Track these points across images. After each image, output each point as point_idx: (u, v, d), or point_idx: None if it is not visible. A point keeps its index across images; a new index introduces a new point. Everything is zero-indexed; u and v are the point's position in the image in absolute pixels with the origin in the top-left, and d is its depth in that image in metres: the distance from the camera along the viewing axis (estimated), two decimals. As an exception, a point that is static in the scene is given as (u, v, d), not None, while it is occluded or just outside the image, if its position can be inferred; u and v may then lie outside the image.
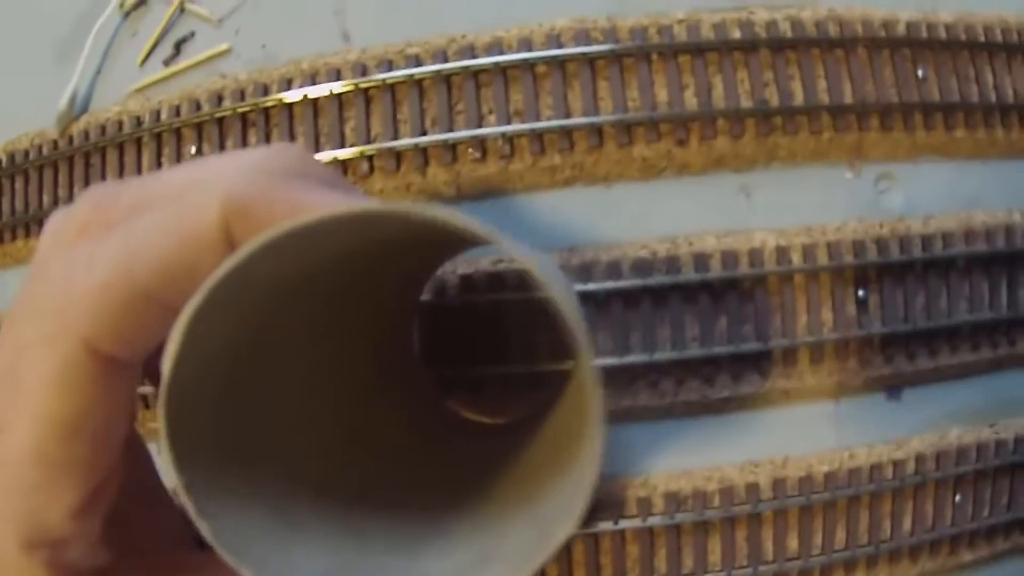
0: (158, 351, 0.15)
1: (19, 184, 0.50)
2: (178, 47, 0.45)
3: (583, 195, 0.38)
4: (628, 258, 0.37)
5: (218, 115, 0.42)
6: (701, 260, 0.37)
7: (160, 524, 0.19)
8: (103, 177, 0.46)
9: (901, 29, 0.40)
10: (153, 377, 0.17)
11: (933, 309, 0.39)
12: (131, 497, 0.17)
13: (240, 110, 0.41)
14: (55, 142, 0.48)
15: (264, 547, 0.15)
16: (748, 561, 0.37)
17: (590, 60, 0.38)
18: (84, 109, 0.48)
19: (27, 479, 0.14)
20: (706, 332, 0.37)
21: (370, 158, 0.39)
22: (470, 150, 0.38)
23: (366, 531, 0.17)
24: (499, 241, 0.14)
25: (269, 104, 0.41)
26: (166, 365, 0.13)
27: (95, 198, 0.16)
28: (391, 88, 0.39)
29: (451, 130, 0.39)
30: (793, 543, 0.38)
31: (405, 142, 0.39)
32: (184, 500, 0.13)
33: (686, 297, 0.37)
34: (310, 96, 0.40)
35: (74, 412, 0.14)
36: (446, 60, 0.39)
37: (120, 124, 0.45)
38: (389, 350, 0.29)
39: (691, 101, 0.38)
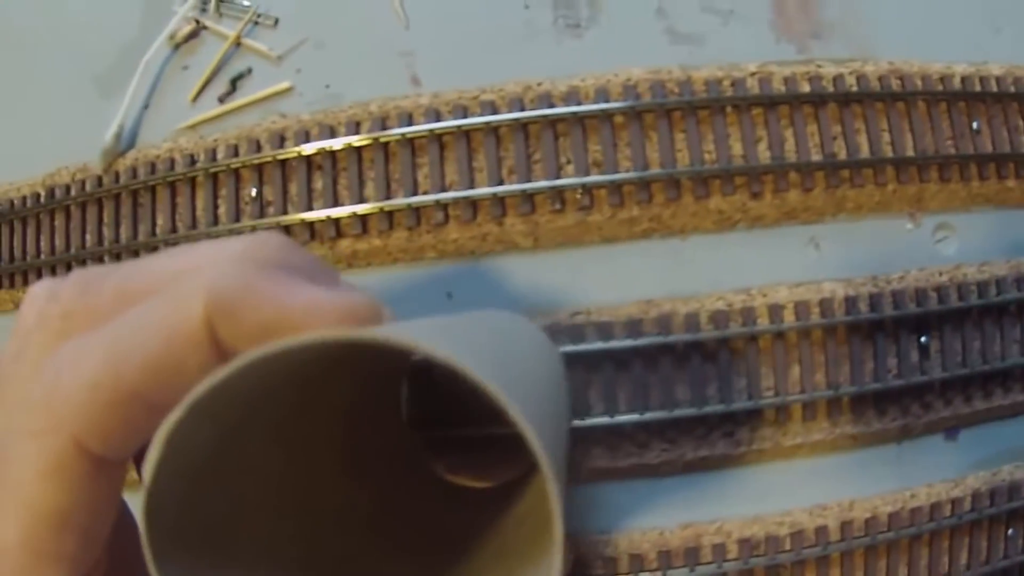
0: (146, 445, 0.14)
1: (59, 221, 0.45)
2: (234, 84, 0.42)
3: (660, 247, 0.36)
4: (706, 310, 0.35)
5: (281, 157, 0.39)
6: (775, 311, 0.36)
7: None
8: (153, 216, 0.42)
9: (956, 83, 0.39)
10: (141, 470, 0.16)
11: (988, 353, 0.38)
12: None
13: (305, 153, 0.38)
14: (99, 178, 0.44)
15: None
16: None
17: (667, 111, 0.36)
18: (131, 144, 0.44)
19: (13, 568, 0.14)
20: (780, 381, 0.36)
21: (445, 207, 0.36)
22: (548, 201, 0.36)
23: None
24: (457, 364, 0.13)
25: (337, 148, 0.38)
26: (147, 472, 0.13)
27: (81, 282, 0.16)
28: (466, 135, 0.37)
29: (529, 180, 0.36)
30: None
31: (482, 191, 0.36)
32: None
33: (762, 347, 0.36)
34: (381, 140, 0.37)
35: (63, 507, 0.14)
36: (523, 108, 0.37)
37: (172, 162, 0.42)
38: (368, 420, 0.27)
39: (764, 154, 0.37)
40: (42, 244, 0.46)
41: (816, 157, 0.37)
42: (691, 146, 0.36)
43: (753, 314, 0.36)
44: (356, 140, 0.37)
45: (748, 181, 0.36)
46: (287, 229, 0.38)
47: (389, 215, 0.37)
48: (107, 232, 0.43)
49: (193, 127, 0.42)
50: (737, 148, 0.36)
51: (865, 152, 0.37)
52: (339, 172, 0.38)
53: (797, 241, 0.37)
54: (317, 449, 0.20)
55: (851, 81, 0.37)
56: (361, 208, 0.37)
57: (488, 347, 0.18)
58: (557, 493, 0.13)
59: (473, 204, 0.36)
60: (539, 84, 0.37)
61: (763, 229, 0.36)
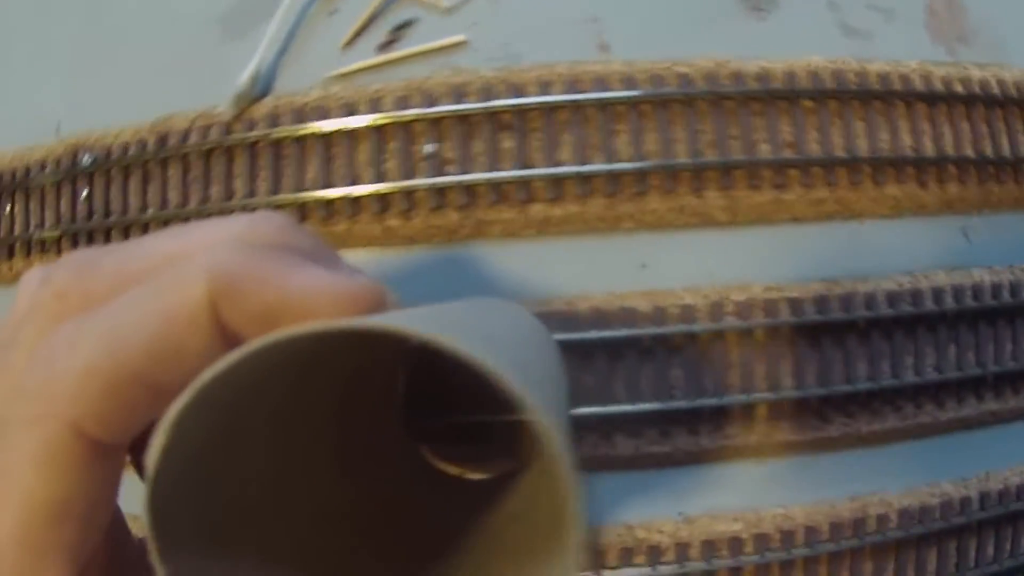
0: (142, 433, 0.14)
1: (174, 170, 0.39)
2: (397, 33, 0.37)
3: (841, 229, 0.36)
4: (881, 290, 0.35)
5: (462, 113, 0.35)
6: (939, 294, 0.36)
7: None
8: (302, 167, 0.37)
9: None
10: (137, 458, 0.15)
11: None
12: (111, 572, 0.16)
13: (493, 110, 0.35)
14: (228, 125, 0.38)
15: None
16: None
17: (848, 100, 0.36)
18: (267, 90, 0.38)
19: (11, 562, 0.13)
20: (943, 359, 0.36)
21: (645, 176, 0.34)
22: (745, 177, 0.35)
23: None
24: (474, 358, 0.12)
25: (527, 107, 0.35)
26: (151, 460, 0.12)
27: (75, 264, 0.15)
28: (665, 104, 0.35)
29: (728, 155, 0.35)
30: None
31: (682, 162, 0.34)
32: None
33: (928, 326, 0.36)
34: (578, 103, 0.34)
35: (61, 496, 0.13)
36: (717, 83, 0.35)
37: (324, 111, 0.37)
38: (362, 409, 0.26)
39: (929, 146, 0.37)
40: (149, 197, 0.39)
41: (968, 153, 0.38)
42: (870, 135, 0.36)
43: (921, 296, 0.36)
44: (548, 101, 0.34)
45: (916, 172, 0.37)
46: (471, 189, 0.35)
47: (587, 180, 0.34)
48: (239, 184, 0.37)
49: (346, 76, 0.37)
50: (906, 139, 0.37)
51: (1006, 152, 0.39)
52: (530, 133, 0.35)
53: (949, 230, 0.38)
54: (313, 439, 0.20)
55: (993, 85, 0.39)
56: (558, 171, 0.34)
57: (492, 333, 0.18)
58: (574, 482, 0.12)
59: (674, 175, 0.34)
60: (730, 62, 0.36)
61: (926, 217, 0.37)
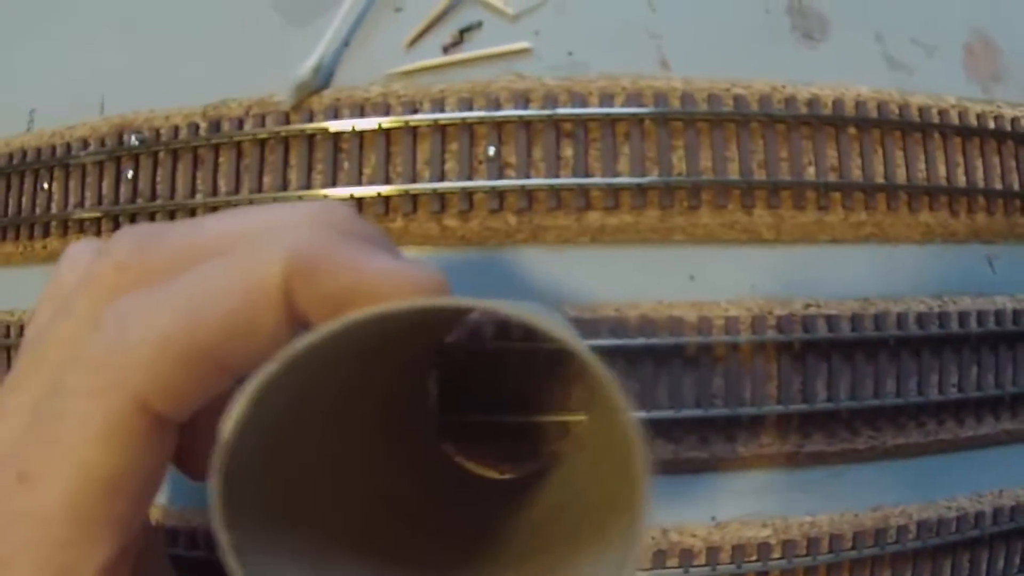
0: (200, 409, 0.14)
1: (226, 156, 0.38)
2: (462, 35, 0.37)
3: (877, 252, 0.37)
4: (912, 312, 0.37)
5: (526, 118, 0.35)
6: (964, 318, 0.38)
7: None
8: (360, 162, 0.37)
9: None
10: (186, 437, 0.15)
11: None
12: (145, 556, 0.16)
13: (555, 118, 0.35)
14: (287, 115, 0.38)
15: None
16: None
17: (890, 130, 0.37)
18: (327, 82, 0.38)
19: (61, 534, 0.13)
20: (964, 379, 0.38)
21: (699, 190, 0.35)
22: (792, 198, 0.36)
23: None
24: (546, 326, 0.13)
25: (589, 117, 0.35)
26: (226, 429, 0.12)
27: (137, 237, 0.14)
28: (721, 123, 0.36)
29: (777, 175, 0.36)
30: None
31: (734, 179, 0.35)
32: (230, 562, 0.12)
33: (953, 348, 0.38)
34: (639, 116, 0.35)
35: (118, 469, 0.13)
36: (770, 106, 0.36)
37: (387, 107, 0.37)
38: (401, 407, 0.27)
39: (960, 178, 0.39)
40: (199, 183, 0.38)
41: (997, 186, 0.40)
42: (909, 164, 0.38)
43: (948, 319, 0.38)
44: (611, 113, 0.35)
45: (949, 201, 0.38)
46: (530, 194, 0.35)
47: (643, 191, 0.35)
48: (294, 176, 0.37)
49: (409, 74, 0.37)
50: (941, 170, 0.38)
51: (1030, 187, 0.41)
52: (591, 142, 0.35)
53: (976, 258, 0.39)
54: (364, 424, 0.20)
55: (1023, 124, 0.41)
56: (616, 181, 0.35)
57: (554, 320, 0.19)
58: (638, 430, 0.13)
59: (725, 191, 0.35)
60: (784, 87, 0.37)
61: (954, 244, 0.39)
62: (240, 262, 0.13)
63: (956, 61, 0.41)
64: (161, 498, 0.35)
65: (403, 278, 0.13)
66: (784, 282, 0.36)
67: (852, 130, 0.37)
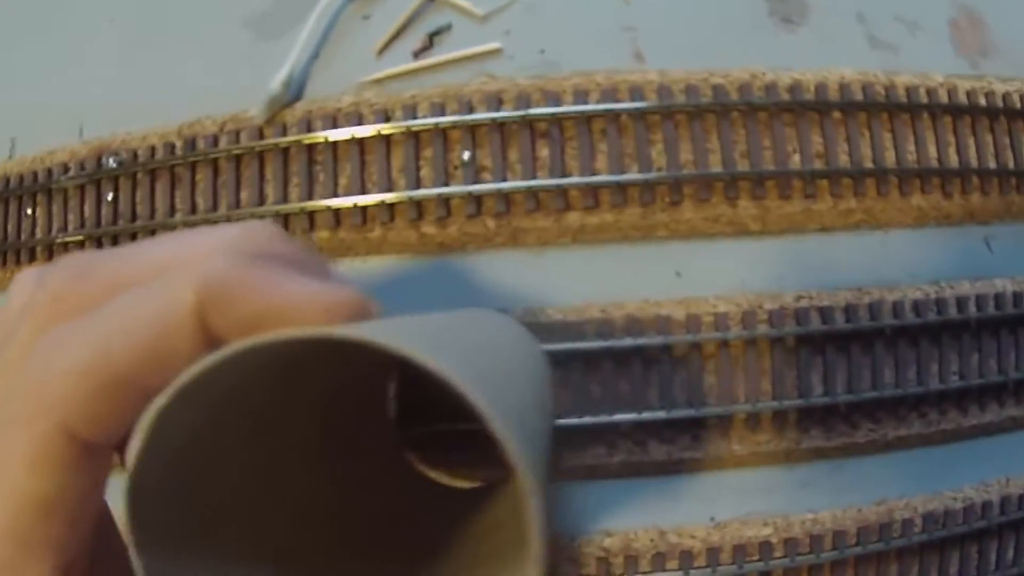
0: (128, 434, 0.14)
1: (203, 174, 0.38)
2: (432, 39, 0.37)
3: (868, 239, 0.36)
4: (907, 299, 0.36)
5: (500, 120, 0.35)
6: (962, 303, 0.37)
7: None
8: (335, 173, 0.36)
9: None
10: (125, 458, 0.15)
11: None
12: (98, 567, 0.16)
13: (529, 118, 0.34)
14: (260, 130, 0.37)
15: None
16: None
17: (876, 113, 0.36)
18: (299, 95, 0.38)
19: (2, 554, 0.14)
20: (965, 366, 0.37)
21: (680, 185, 0.34)
22: (778, 187, 0.35)
23: None
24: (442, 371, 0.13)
25: (564, 116, 0.34)
26: (130, 458, 0.12)
27: (72, 268, 0.15)
28: (700, 115, 0.35)
29: (760, 165, 0.35)
30: None
31: (717, 172, 0.34)
32: None
33: (952, 334, 0.36)
34: (613, 112, 0.34)
35: (49, 493, 0.14)
36: (751, 94, 0.35)
37: (359, 117, 0.36)
38: (349, 412, 0.26)
39: (953, 158, 0.37)
40: (177, 201, 0.38)
41: (991, 164, 0.38)
42: (897, 146, 0.36)
43: (946, 305, 0.36)
44: (585, 110, 0.34)
45: (942, 182, 0.37)
46: (507, 197, 0.34)
47: (623, 188, 0.34)
48: (270, 190, 0.37)
49: (380, 81, 0.37)
50: (932, 151, 0.37)
51: (1025, 164, 0.39)
52: (567, 141, 0.34)
53: (972, 240, 0.38)
54: (297, 441, 0.20)
55: (1015, 99, 0.39)
56: (594, 180, 0.34)
57: (469, 347, 0.18)
58: (535, 496, 0.12)
59: (708, 184, 0.34)
60: (764, 74, 0.36)
61: (949, 227, 0.37)
62: (154, 292, 0.14)
63: (942, 37, 0.39)
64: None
65: (315, 301, 0.13)
66: (774, 275, 0.35)
67: (837, 114, 0.36)
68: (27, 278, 0.16)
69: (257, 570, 0.15)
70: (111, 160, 0.41)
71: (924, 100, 0.37)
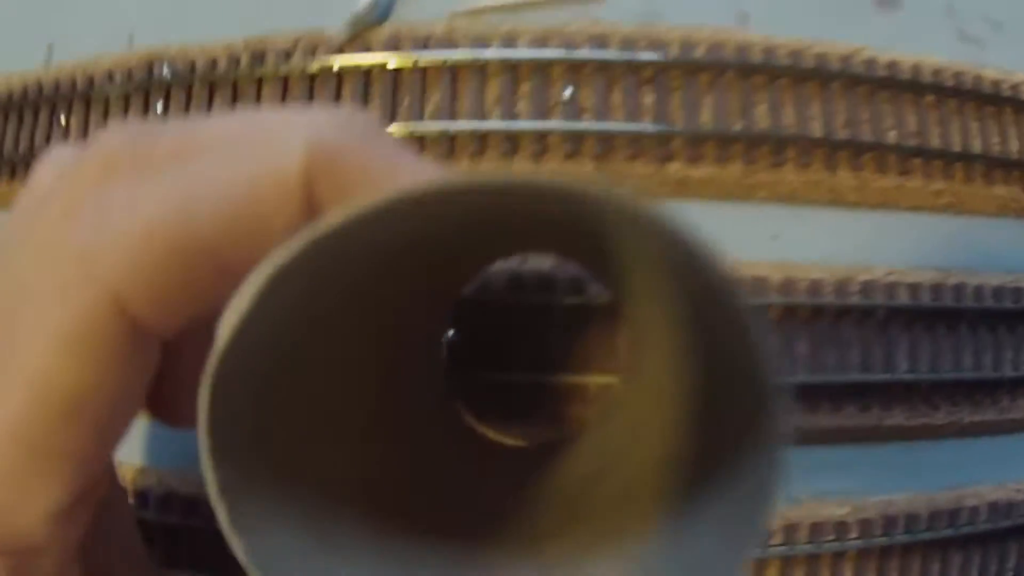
0: (158, 381, 0.12)
1: (271, 91, 0.35)
2: (534, -23, 0.35)
3: (953, 222, 0.36)
4: (989, 284, 0.36)
5: (604, 61, 0.33)
6: (1039, 296, 0.37)
7: (121, 546, 0.15)
8: (422, 100, 0.34)
9: None
10: (167, 366, 0.13)
11: None
12: (100, 527, 0.14)
13: (635, 63, 0.33)
14: (340, 48, 0.35)
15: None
16: None
17: (965, 102, 0.36)
18: (385, 16, 0.35)
19: (2, 466, 0.10)
20: (1032, 360, 0.37)
21: (784, 147, 0.33)
22: (873, 161, 0.34)
23: (416, 565, 0.14)
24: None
25: (670, 64, 0.33)
26: (224, 331, 0.10)
27: (127, 134, 0.12)
28: (803, 80, 0.34)
29: (859, 137, 0.34)
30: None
31: (817, 137, 0.33)
32: (215, 504, 0.10)
33: (1025, 327, 0.36)
34: (718, 67, 0.33)
35: (81, 386, 0.10)
36: (853, 67, 0.35)
37: (452, 42, 0.34)
38: (413, 358, 0.25)
39: (1029, 154, 0.38)
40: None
41: (1061, 166, 0.39)
42: (983, 136, 0.37)
43: (1022, 294, 0.36)
44: (693, 60, 0.33)
45: (1021, 175, 0.37)
46: (608, 140, 0.33)
47: (727, 144, 0.33)
48: (349, 111, 0.34)
49: (476, 14, 0.35)
50: (1014, 144, 0.37)
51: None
52: (672, 91, 0.33)
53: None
54: (366, 379, 0.18)
55: (1081, 108, 0.40)
56: (699, 130, 0.33)
57: None
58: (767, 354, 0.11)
59: (808, 150, 0.33)
60: (863, 49, 0.35)
61: None
62: (251, 149, 0.11)
63: (1021, 40, 0.40)
64: (133, 455, 0.31)
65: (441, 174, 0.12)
66: (866, 247, 0.34)
67: (930, 98, 0.36)
68: (63, 152, 0.13)
69: (336, 523, 0.13)
70: (165, 69, 0.37)
71: (1008, 94, 0.38)
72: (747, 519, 0.12)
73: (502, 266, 0.29)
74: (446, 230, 0.13)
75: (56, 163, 0.13)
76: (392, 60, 0.33)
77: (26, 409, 0.10)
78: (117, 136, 0.12)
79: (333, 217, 0.10)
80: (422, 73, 0.34)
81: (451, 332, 0.27)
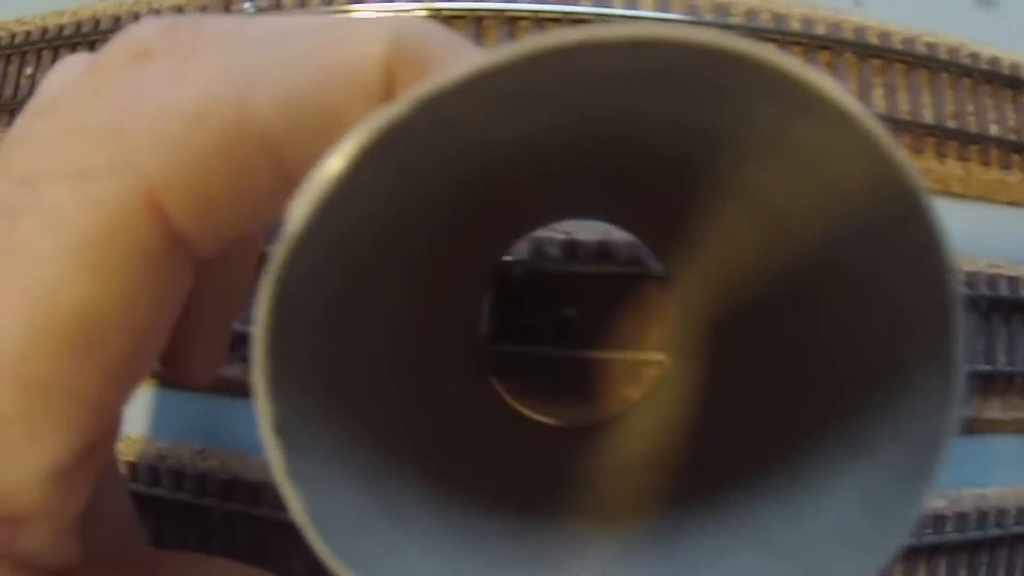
0: (175, 343, 0.10)
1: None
2: (653, -59, 0.34)
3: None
4: (1071, 285, 0.36)
5: (727, 27, 0.32)
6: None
7: (113, 518, 0.13)
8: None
9: None
10: (192, 301, 0.10)
11: None
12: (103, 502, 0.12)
13: (758, 32, 0.32)
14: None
15: (370, 544, 0.09)
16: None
17: None
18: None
19: None
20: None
21: (897, 130, 0.33)
22: (979, 154, 0.34)
23: (485, 540, 0.13)
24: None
25: (791, 39, 0.32)
26: (303, 205, 0.08)
27: (164, 23, 0.10)
28: (916, 68, 0.33)
29: (965, 128, 0.34)
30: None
31: (927, 125, 0.33)
32: (268, 444, 0.08)
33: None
34: (840, 46, 0.32)
35: (95, 305, 0.08)
36: (960, 59, 0.35)
37: None
38: (454, 317, 0.24)
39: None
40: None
41: None
42: (1072, 138, 0.37)
43: (1100, 298, 0.37)
44: (814, 37, 0.32)
45: (1103, 181, 0.38)
46: (729, 111, 0.32)
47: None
48: None
49: (591, -26, 0.33)
50: (1096, 151, 0.38)
51: None
52: (793, 67, 0.32)
53: None
54: (435, 320, 0.17)
55: None
56: (821, 109, 0.32)
57: None
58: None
59: (921, 137, 0.33)
60: (968, 43, 0.35)
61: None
62: (328, 35, 0.09)
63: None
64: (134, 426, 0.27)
65: None
66: (971, 238, 0.34)
67: (1025, 96, 0.36)
68: (77, 58, 0.11)
69: (400, 485, 0.11)
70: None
71: (1093, 101, 0.38)
72: (920, 464, 0.10)
73: (544, 233, 0.27)
74: (526, 140, 0.11)
75: (67, 68, 0.11)
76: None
77: (24, 333, 0.07)
78: (151, 26, 0.09)
79: (442, 76, 0.08)
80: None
81: (489, 303, 0.25)
